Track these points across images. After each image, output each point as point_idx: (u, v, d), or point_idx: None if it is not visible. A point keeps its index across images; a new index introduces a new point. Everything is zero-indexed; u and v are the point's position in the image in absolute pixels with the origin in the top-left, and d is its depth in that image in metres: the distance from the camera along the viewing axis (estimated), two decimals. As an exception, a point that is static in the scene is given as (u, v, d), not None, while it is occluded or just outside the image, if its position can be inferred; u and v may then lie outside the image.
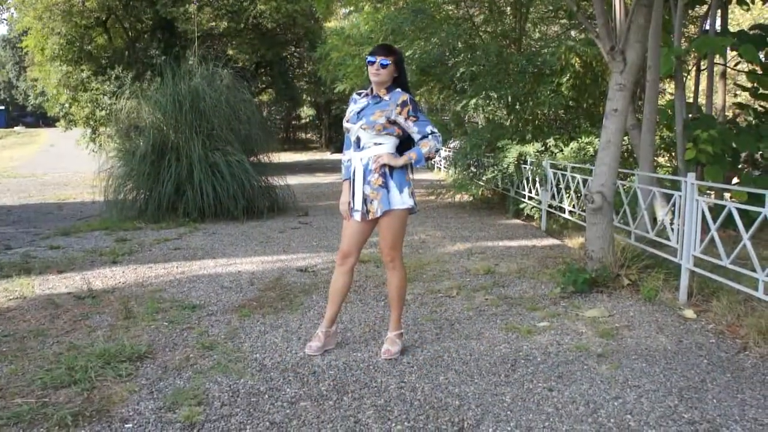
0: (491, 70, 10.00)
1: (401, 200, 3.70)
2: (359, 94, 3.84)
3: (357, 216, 3.74)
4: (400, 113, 3.63)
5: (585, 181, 7.02)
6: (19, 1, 19.15)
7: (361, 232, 3.81)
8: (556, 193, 8.20)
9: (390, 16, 11.00)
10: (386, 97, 3.68)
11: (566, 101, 9.97)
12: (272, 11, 19.32)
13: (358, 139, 3.72)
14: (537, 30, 12.92)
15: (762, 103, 8.50)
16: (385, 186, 3.68)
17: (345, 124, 3.79)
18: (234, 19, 19.49)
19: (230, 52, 21.42)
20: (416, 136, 3.69)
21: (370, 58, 3.65)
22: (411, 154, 3.68)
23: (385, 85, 3.70)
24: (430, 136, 3.67)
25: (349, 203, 3.79)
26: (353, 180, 3.76)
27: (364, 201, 3.71)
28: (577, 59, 9.96)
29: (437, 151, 3.72)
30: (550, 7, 11.32)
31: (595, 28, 5.59)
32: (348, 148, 3.85)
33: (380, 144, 3.67)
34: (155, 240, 7.81)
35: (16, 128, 57.64)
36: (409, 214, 3.80)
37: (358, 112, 3.73)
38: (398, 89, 3.70)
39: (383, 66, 3.61)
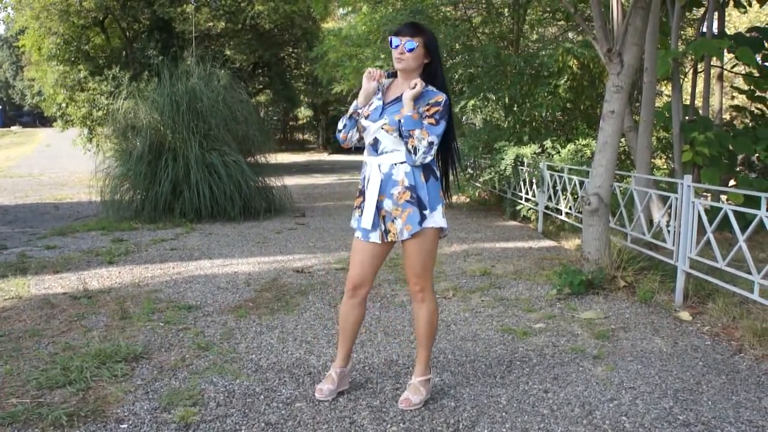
0: (489, 72, 10.02)
1: (434, 219, 3.05)
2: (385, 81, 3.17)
3: (374, 237, 3.09)
4: (427, 110, 2.99)
5: (582, 183, 7.02)
6: (16, 0, 19.11)
7: (377, 257, 3.17)
8: (552, 195, 8.21)
9: (387, 17, 11.00)
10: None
11: (563, 103, 9.98)
12: (270, 12, 19.32)
13: (376, 141, 3.07)
14: (535, 32, 12.95)
15: (759, 106, 8.50)
16: (415, 201, 3.01)
17: (362, 122, 3.10)
18: (232, 20, 19.49)
19: (228, 52, 21.38)
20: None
21: (394, 40, 3.00)
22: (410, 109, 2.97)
23: (414, 74, 3.04)
24: (425, 141, 2.94)
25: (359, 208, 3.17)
26: (366, 190, 3.10)
27: (383, 219, 3.08)
28: (575, 61, 9.96)
29: (416, 152, 2.95)
30: (548, 9, 11.34)
31: (592, 30, 5.60)
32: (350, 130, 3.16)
33: (400, 151, 3.02)
34: (152, 240, 7.81)
35: (12, 128, 57.52)
36: (440, 237, 3.16)
37: (383, 108, 3.08)
38: (433, 88, 3.04)
39: (409, 50, 2.97)
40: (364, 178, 3.14)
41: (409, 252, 3.09)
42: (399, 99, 3.05)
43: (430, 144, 2.97)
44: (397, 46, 3.00)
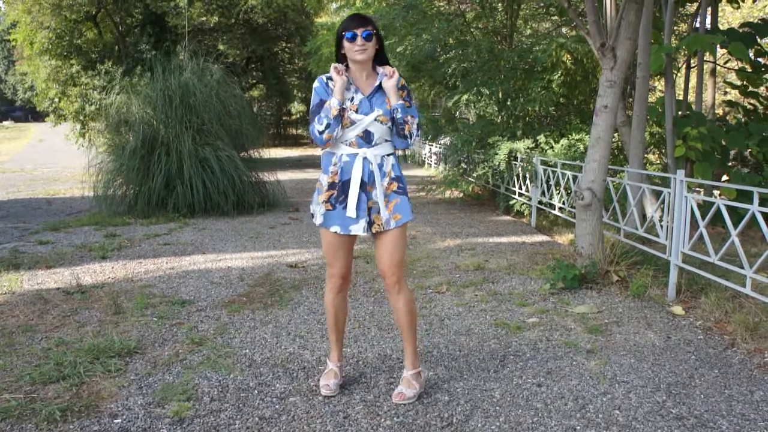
0: (482, 67, 10.02)
1: (410, 209, 3.16)
2: (330, 79, 3.08)
3: (356, 228, 3.06)
4: (400, 95, 3.08)
5: (575, 178, 7.03)
6: (7, -6, 19.04)
7: (351, 249, 3.22)
8: (546, 190, 8.21)
9: (381, 12, 10.99)
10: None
11: (557, 98, 9.99)
12: (263, 6, 19.30)
13: (368, 134, 3.05)
14: (528, 27, 12.95)
15: (751, 101, 8.54)
16: (403, 191, 3.10)
17: (353, 116, 3.03)
18: (225, 14, 19.45)
19: (221, 47, 21.32)
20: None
21: (348, 34, 3.00)
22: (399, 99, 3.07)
23: (370, 62, 3.10)
24: (414, 124, 3.08)
25: (328, 204, 3.12)
26: (353, 183, 3.06)
27: (369, 210, 3.08)
28: (568, 56, 9.98)
29: (411, 137, 3.09)
30: (542, 4, 11.34)
31: (585, 25, 5.60)
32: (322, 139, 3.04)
33: (389, 141, 3.11)
34: (145, 235, 7.79)
35: (4, 123, 57.29)
36: None
37: (369, 101, 3.07)
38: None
39: (367, 38, 3.00)
40: (342, 170, 3.08)
41: (392, 242, 3.10)
42: (378, 90, 3.09)
43: (419, 126, 3.13)
44: (354, 38, 2.99)
